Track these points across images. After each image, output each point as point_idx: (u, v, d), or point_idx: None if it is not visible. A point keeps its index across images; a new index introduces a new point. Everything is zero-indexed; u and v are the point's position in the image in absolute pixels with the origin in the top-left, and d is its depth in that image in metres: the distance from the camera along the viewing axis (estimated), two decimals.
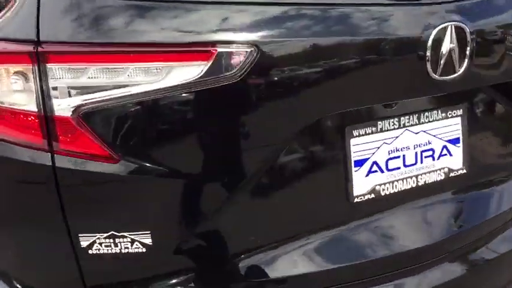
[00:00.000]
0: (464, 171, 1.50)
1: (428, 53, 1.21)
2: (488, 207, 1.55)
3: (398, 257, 1.36)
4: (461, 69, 1.27)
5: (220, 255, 1.27)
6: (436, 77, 1.24)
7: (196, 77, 1.09)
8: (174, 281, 1.25)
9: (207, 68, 1.09)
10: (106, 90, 1.09)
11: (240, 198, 1.23)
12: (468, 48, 1.26)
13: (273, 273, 1.27)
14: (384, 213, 1.42)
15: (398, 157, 1.39)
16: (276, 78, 1.14)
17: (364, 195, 1.37)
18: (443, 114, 1.43)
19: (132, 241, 1.20)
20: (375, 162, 1.37)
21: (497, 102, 1.53)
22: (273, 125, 1.18)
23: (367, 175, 1.36)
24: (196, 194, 1.20)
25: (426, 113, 1.40)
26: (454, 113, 1.45)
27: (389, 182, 1.39)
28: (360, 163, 1.35)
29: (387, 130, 1.36)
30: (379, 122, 1.34)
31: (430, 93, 1.33)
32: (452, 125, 1.46)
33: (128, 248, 1.21)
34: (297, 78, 1.15)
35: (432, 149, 1.44)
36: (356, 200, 1.36)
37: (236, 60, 1.10)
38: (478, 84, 1.41)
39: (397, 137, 1.38)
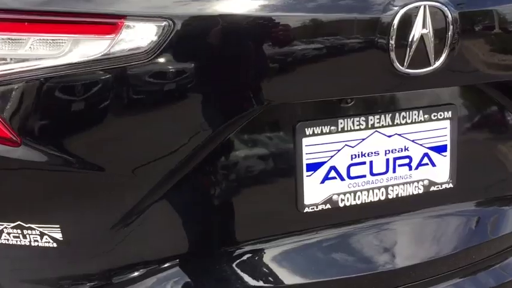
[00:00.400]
0: (451, 185, 1.26)
1: (392, 39, 0.99)
2: (477, 233, 1.30)
3: (348, 283, 1.15)
4: (438, 62, 1.04)
5: (139, 259, 1.11)
6: (403, 69, 1.02)
7: (103, 53, 0.94)
8: (87, 283, 1.12)
9: (113, 43, 0.93)
10: (5, 64, 0.96)
11: (164, 196, 1.07)
12: (448, 36, 1.02)
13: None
14: (341, 229, 1.21)
15: (364, 163, 1.18)
16: (197, 58, 0.96)
17: (317, 204, 1.16)
18: (426, 116, 1.20)
19: (41, 234, 1.07)
20: (333, 168, 1.16)
21: (498, 105, 1.26)
22: (196, 114, 1.00)
23: (322, 182, 1.16)
24: (109, 187, 1.05)
25: (403, 113, 1.18)
26: (441, 116, 1.21)
27: (350, 192, 1.18)
28: (313, 167, 1.14)
29: (350, 130, 1.15)
30: (340, 121, 1.13)
31: (396, 90, 1.11)
32: (437, 129, 1.22)
33: (37, 241, 1.08)
34: (225, 58, 0.97)
35: (409, 157, 1.21)
36: (307, 209, 1.16)
37: (148, 35, 0.93)
38: (464, 82, 1.17)
39: (363, 140, 1.17)
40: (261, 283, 1.12)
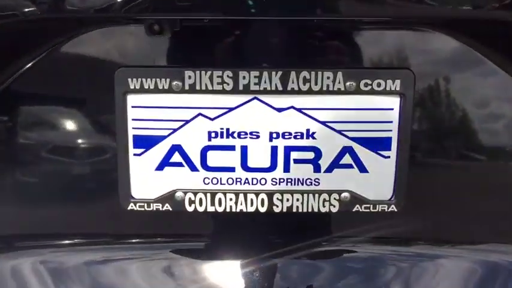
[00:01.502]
0: (393, 208, 0.74)
1: None
2: None
3: None
4: None
5: None
6: None
7: None
8: None
9: None
10: None
11: None
12: None
13: None
14: (183, 246, 0.77)
15: (232, 148, 0.73)
16: None
17: (149, 202, 0.74)
18: (351, 84, 0.70)
19: None
20: (178, 148, 0.73)
21: (486, 70, 0.72)
22: None
23: (160, 168, 0.74)
24: None
25: (305, 73, 0.70)
26: (380, 86, 0.70)
27: (206, 191, 0.74)
28: (145, 143, 0.73)
29: (208, 91, 0.70)
30: (189, 73, 0.70)
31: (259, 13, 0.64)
32: (375, 109, 0.72)
33: None
34: None
35: (315, 149, 0.73)
36: (132, 206, 0.74)
37: None
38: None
39: (231, 109, 0.72)
40: None
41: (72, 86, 0.73)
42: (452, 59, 0.71)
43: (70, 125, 0.73)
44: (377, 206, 0.74)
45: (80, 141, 0.74)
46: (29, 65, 0.70)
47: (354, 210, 0.74)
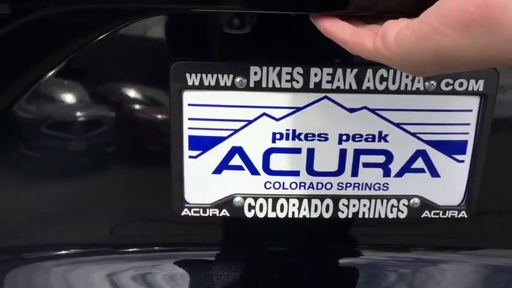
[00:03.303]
0: (464, 214, 0.70)
1: None
2: None
3: None
4: None
5: None
6: None
7: None
8: None
9: None
10: None
11: None
12: None
13: None
14: (244, 255, 0.72)
15: (298, 151, 0.67)
16: None
17: (205, 207, 0.68)
18: (433, 84, 0.64)
19: None
20: (238, 150, 0.67)
21: None
22: None
23: (217, 171, 0.67)
24: None
25: (382, 71, 0.63)
26: (461, 87, 0.65)
27: (268, 196, 0.68)
28: (201, 144, 0.66)
29: (275, 89, 0.64)
30: (255, 68, 0.63)
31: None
32: (452, 110, 0.66)
33: None
34: None
35: (387, 153, 0.67)
36: (187, 212, 0.68)
37: None
38: None
39: (298, 109, 0.65)
40: None
41: (122, 82, 0.65)
42: None
43: (120, 124, 0.66)
44: (447, 212, 0.70)
45: (131, 141, 0.67)
46: (74, 54, 0.61)
47: (422, 216, 0.70)
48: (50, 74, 0.62)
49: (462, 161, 0.68)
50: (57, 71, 0.62)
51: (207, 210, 0.69)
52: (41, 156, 0.68)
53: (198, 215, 0.68)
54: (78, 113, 0.66)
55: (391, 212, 0.70)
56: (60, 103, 0.65)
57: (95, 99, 0.66)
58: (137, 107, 0.66)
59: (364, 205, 0.69)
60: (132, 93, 0.65)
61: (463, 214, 0.70)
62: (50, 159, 0.68)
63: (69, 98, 0.65)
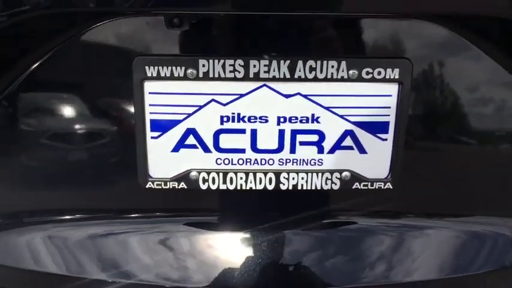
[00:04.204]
0: (389, 186, 0.81)
1: None
2: (419, 267, 0.84)
3: None
4: None
5: None
6: None
7: None
8: None
9: None
10: None
11: None
12: None
13: None
14: (198, 222, 0.84)
15: (243, 131, 0.79)
16: None
17: (166, 181, 0.81)
18: (352, 73, 0.76)
19: None
20: (192, 131, 0.79)
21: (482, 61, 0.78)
22: None
23: (175, 149, 0.80)
24: None
25: (311, 62, 0.75)
26: (380, 74, 0.76)
27: (219, 171, 0.80)
28: (161, 126, 0.78)
29: (221, 78, 0.76)
30: (203, 61, 0.75)
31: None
32: (375, 95, 0.78)
33: None
34: None
35: (320, 132, 0.79)
36: (150, 185, 0.81)
37: None
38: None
39: (242, 95, 0.77)
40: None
41: (93, 74, 0.77)
42: (446, 48, 0.76)
43: (91, 111, 0.78)
44: (374, 183, 0.81)
45: (100, 125, 0.79)
46: (50, 53, 0.74)
47: (353, 187, 0.81)
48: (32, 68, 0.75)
49: (386, 139, 0.80)
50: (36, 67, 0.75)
51: (168, 183, 0.80)
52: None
53: (160, 187, 0.80)
54: (59, 105, 0.78)
55: (326, 184, 0.81)
56: (45, 94, 0.77)
57: (73, 90, 0.78)
58: (106, 97, 0.78)
59: (302, 178, 0.81)
60: (101, 84, 0.78)
61: (388, 185, 0.82)
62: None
63: (55, 87, 0.77)
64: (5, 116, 0.78)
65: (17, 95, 0.77)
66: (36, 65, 0.75)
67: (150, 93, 0.76)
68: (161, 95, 0.76)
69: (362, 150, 0.80)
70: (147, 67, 0.74)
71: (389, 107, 0.78)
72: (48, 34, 0.72)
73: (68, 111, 0.78)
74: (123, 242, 0.84)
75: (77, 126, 0.79)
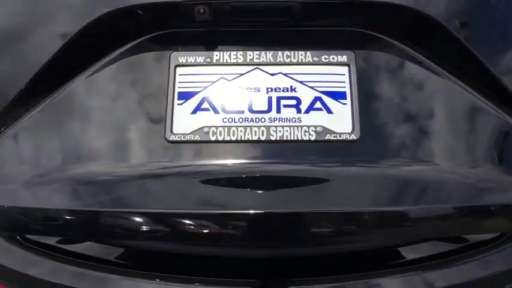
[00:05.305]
0: (353, 137, 1.08)
1: None
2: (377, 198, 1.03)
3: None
4: None
5: None
6: None
7: None
8: None
9: None
10: None
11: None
12: None
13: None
14: (211, 165, 1.08)
15: (243, 98, 1.11)
16: None
17: (185, 134, 1.09)
18: (315, 59, 1.13)
19: None
20: (206, 99, 1.11)
21: (409, 53, 1.13)
22: None
23: (194, 112, 1.11)
24: None
25: (287, 52, 1.13)
26: (334, 59, 1.13)
27: (224, 127, 1.09)
28: (185, 96, 1.12)
29: (227, 64, 1.13)
30: (216, 53, 1.14)
31: None
32: (332, 74, 1.13)
33: None
34: None
35: (297, 98, 1.11)
36: (173, 138, 1.09)
37: None
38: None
39: (241, 74, 1.13)
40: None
41: (145, 64, 1.15)
42: (377, 42, 1.14)
43: (140, 86, 1.13)
44: (342, 135, 1.08)
45: (144, 96, 1.12)
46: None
47: (326, 138, 1.08)
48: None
49: (346, 104, 1.10)
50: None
51: (186, 136, 1.09)
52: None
53: (180, 139, 1.08)
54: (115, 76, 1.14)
55: (305, 135, 1.08)
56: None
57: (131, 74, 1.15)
58: (151, 76, 1.14)
59: (287, 131, 1.08)
60: (149, 70, 1.15)
61: (353, 137, 1.08)
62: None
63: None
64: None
65: None
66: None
67: (180, 74, 1.13)
68: (187, 76, 1.13)
69: (329, 111, 1.10)
70: (179, 57, 1.13)
71: (344, 81, 1.11)
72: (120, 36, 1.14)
73: (122, 85, 1.13)
74: (143, 183, 1.06)
75: (126, 95, 1.12)
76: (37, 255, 1.08)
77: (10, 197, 1.06)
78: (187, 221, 1.02)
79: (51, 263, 1.07)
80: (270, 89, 1.11)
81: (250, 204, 1.00)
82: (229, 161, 1.08)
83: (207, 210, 1.02)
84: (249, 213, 1.00)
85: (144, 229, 1.03)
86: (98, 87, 1.13)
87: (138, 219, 1.03)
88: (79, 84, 1.13)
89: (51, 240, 1.12)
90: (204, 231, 1.02)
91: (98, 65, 1.14)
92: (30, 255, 1.09)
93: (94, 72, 1.13)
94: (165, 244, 1.06)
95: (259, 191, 1.02)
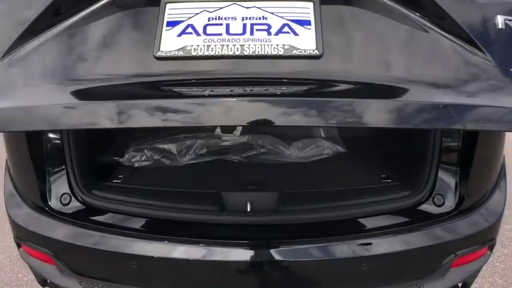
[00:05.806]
0: (317, 52, 1.24)
1: None
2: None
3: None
4: None
5: None
6: None
7: None
8: None
9: None
10: None
11: None
12: None
13: None
14: (192, 77, 1.24)
15: (221, 25, 1.29)
16: None
17: (170, 51, 1.26)
18: None
19: None
20: (190, 25, 1.30)
21: None
22: None
23: (179, 35, 1.29)
24: None
25: None
26: None
27: (204, 45, 1.26)
28: (172, 24, 1.30)
29: (210, 0, 1.33)
30: None
31: None
32: (300, 7, 1.31)
33: None
34: None
35: (268, 25, 1.29)
36: (160, 53, 1.26)
37: None
38: None
39: (221, 8, 1.32)
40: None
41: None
42: None
43: (137, 15, 1.32)
44: (306, 51, 1.24)
45: (139, 22, 1.31)
46: None
47: (293, 53, 1.24)
48: None
49: (310, 29, 1.28)
50: None
51: (171, 52, 1.25)
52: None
53: (167, 55, 1.25)
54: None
55: (274, 51, 1.24)
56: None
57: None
58: (146, 8, 1.33)
59: (258, 48, 1.25)
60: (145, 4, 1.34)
61: (316, 52, 1.24)
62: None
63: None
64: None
65: None
66: None
67: (169, 8, 1.32)
68: (175, 9, 1.32)
69: (296, 34, 1.27)
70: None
71: (309, 13, 1.30)
72: None
73: (120, 17, 1.32)
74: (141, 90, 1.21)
75: (124, 21, 1.31)
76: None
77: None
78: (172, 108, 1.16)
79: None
80: (245, 18, 1.29)
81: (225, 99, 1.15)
82: (208, 72, 1.23)
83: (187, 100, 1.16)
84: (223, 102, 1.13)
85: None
86: (99, 19, 1.32)
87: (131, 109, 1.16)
88: (82, 17, 1.32)
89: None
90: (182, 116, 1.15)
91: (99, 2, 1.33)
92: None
93: (95, 8, 1.33)
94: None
95: (233, 94, 1.17)
